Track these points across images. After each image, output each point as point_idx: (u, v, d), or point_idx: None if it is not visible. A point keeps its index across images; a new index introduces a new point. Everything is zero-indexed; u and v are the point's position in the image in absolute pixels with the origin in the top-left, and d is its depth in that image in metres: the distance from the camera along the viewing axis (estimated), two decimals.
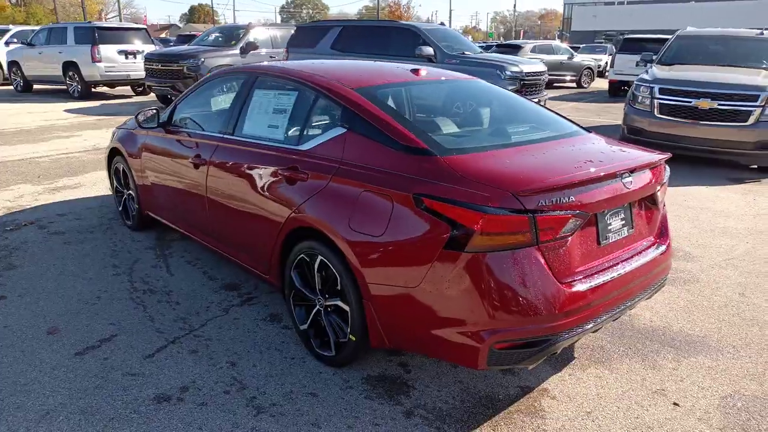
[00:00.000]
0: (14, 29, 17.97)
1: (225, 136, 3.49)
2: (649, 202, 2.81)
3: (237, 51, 12.45)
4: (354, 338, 2.69)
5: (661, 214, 2.93)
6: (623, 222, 2.64)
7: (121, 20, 46.66)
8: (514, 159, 2.51)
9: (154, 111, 4.11)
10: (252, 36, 12.86)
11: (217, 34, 13.64)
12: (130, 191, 4.71)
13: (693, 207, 5.81)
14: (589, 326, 2.42)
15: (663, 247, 2.85)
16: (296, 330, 3.08)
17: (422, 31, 9.96)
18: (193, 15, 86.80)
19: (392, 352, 3.01)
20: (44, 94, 15.16)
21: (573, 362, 3.00)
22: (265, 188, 3.08)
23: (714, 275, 4.13)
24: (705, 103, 7.15)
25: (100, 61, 13.61)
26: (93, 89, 14.45)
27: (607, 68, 20.00)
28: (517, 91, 9.22)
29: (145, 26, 15.86)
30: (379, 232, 2.47)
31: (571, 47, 29.25)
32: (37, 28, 17.02)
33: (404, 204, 2.40)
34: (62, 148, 8.30)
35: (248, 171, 3.22)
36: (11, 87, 16.20)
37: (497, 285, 2.22)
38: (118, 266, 4.12)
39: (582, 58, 20.82)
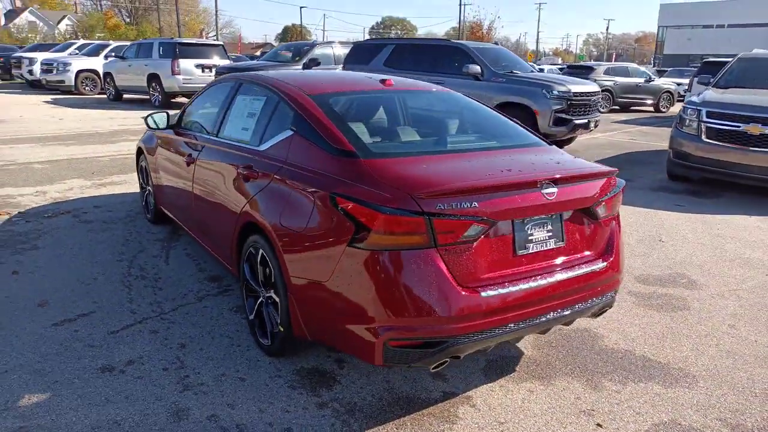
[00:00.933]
0: (113, 44, 19.75)
1: (210, 137, 3.76)
2: (588, 216, 2.74)
3: (300, 67, 13.02)
4: (282, 329, 2.81)
5: (607, 229, 2.84)
6: (550, 233, 2.60)
7: (217, 38, 49.91)
8: (434, 165, 2.56)
9: (164, 114, 4.47)
10: (316, 53, 13.41)
11: (286, 51, 14.33)
12: (149, 187, 5.11)
13: (722, 236, 5.45)
14: (496, 333, 2.41)
15: (603, 264, 2.76)
16: (247, 320, 3.24)
17: (471, 50, 10.00)
18: (287, 34, 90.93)
19: (333, 348, 3.10)
20: (131, 103, 16.50)
21: (511, 374, 2.95)
22: (229, 185, 3.29)
23: (710, 305, 3.88)
24: (755, 128, 6.70)
25: (179, 74, 14.68)
26: (172, 99, 15.56)
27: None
28: (563, 111, 9.06)
29: (221, 42, 16.91)
30: (301, 228, 2.59)
31: (659, 71, 27.99)
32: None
33: (323, 202, 2.51)
34: (124, 150, 9.04)
35: (220, 169, 3.45)
36: (105, 96, 17.76)
37: (393, 283, 2.27)
38: (123, 254, 4.49)
39: (662, 82, 19.88)
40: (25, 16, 62.77)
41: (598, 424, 2.56)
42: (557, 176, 2.54)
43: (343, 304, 2.42)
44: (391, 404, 2.66)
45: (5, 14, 63.74)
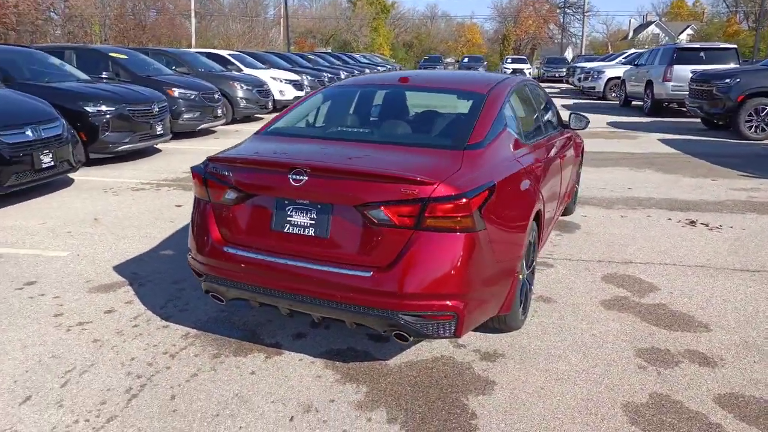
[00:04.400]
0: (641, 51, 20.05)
1: None
2: (365, 218, 2.55)
3: None
4: None
5: (396, 240, 2.51)
6: (312, 222, 2.66)
7: None
8: (277, 143, 3.12)
9: None
10: None
11: None
12: None
13: None
14: (238, 287, 2.86)
15: (367, 274, 2.53)
16: None
17: None
18: None
19: None
20: (633, 109, 16.72)
21: (343, 363, 3.01)
22: None
23: None
24: None
25: (669, 81, 14.08)
26: (663, 106, 15.01)
27: None
28: None
29: (734, 46, 14.73)
30: None
31: None
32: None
33: None
34: None
35: None
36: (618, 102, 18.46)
37: (192, 222, 3.09)
38: None
39: None
40: (651, 29, 67.61)
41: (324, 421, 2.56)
42: (311, 165, 2.62)
43: None
44: (221, 342, 3.28)
45: (635, 29, 70.39)
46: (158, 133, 8.34)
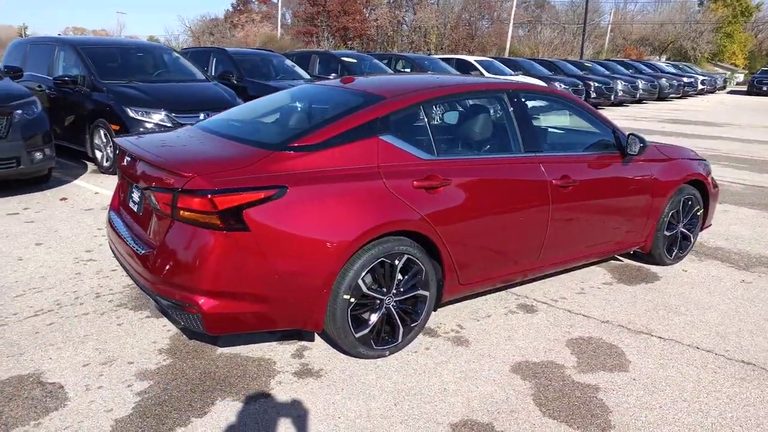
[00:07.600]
0: None
1: None
2: (148, 200, 2.75)
3: None
4: None
5: (164, 224, 2.64)
6: (138, 200, 2.97)
7: None
8: (171, 133, 3.41)
9: None
10: None
11: None
12: None
13: None
14: (112, 250, 3.33)
15: (144, 251, 2.74)
16: None
17: None
18: None
19: None
20: None
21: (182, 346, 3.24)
22: None
23: None
24: None
25: None
26: None
27: None
28: None
29: None
30: None
31: None
32: None
33: None
34: None
35: None
36: None
37: None
38: None
39: None
40: None
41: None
42: (129, 150, 2.91)
43: None
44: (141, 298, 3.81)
45: None
46: None
